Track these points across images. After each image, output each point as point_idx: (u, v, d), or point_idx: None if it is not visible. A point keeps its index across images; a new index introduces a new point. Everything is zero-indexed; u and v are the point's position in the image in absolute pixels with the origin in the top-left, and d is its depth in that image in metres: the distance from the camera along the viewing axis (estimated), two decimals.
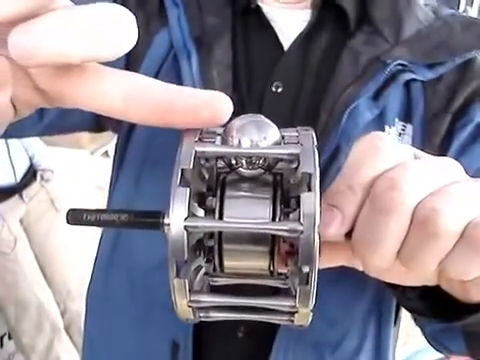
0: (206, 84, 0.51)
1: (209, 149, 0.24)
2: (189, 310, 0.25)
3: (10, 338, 1.58)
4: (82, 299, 0.62)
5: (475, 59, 0.51)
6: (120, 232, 0.56)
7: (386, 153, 0.27)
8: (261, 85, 0.53)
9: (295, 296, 0.24)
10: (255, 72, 0.54)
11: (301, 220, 0.23)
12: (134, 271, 0.55)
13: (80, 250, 1.54)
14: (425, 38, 0.51)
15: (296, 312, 0.25)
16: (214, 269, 0.27)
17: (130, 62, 0.53)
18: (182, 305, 0.25)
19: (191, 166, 0.23)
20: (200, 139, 0.25)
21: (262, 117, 0.26)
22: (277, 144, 0.25)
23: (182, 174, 0.23)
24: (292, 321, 0.26)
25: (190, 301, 0.25)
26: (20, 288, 1.45)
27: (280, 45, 0.54)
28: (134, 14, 0.46)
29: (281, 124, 0.26)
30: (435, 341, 0.48)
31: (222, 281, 0.28)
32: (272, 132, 0.25)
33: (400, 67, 0.49)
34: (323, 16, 0.53)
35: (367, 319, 0.53)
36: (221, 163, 0.27)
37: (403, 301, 0.39)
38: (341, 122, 0.47)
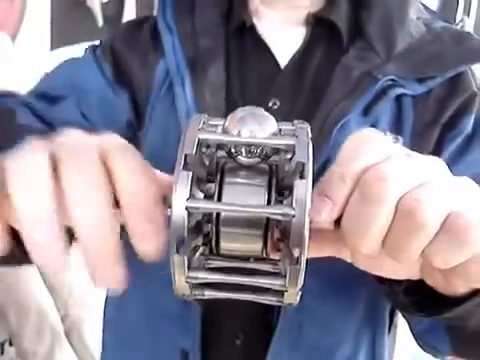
0: (199, 106, 0.52)
1: (211, 137, 0.26)
2: (186, 286, 0.27)
3: (11, 344, 1.58)
4: (83, 304, 0.64)
5: (465, 72, 0.52)
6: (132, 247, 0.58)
7: (377, 147, 0.28)
8: (257, 102, 0.54)
9: (285, 276, 0.26)
10: (250, 90, 0.55)
11: (293, 205, 0.25)
12: (147, 285, 0.55)
13: (81, 255, 1.54)
14: (416, 52, 0.52)
15: (286, 291, 0.27)
16: (211, 251, 0.29)
17: (137, 101, 0.56)
18: (180, 281, 0.27)
19: (194, 152, 0.25)
20: (203, 128, 0.27)
21: (261, 110, 0.28)
22: (274, 135, 0.27)
23: (185, 159, 0.25)
24: (281, 301, 0.27)
25: (188, 277, 0.26)
26: (21, 293, 1.46)
27: (276, 63, 0.55)
28: (125, 54, 0.51)
29: None
30: (423, 341, 0.49)
31: (217, 264, 0.30)
32: (270, 124, 0.27)
33: (390, 82, 0.50)
34: (317, 33, 0.55)
35: (361, 327, 0.54)
36: (221, 153, 0.29)
37: (390, 296, 0.40)
38: (331, 136, 0.49)
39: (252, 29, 0.55)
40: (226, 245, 0.28)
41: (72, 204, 0.25)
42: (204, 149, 0.27)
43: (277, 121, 0.28)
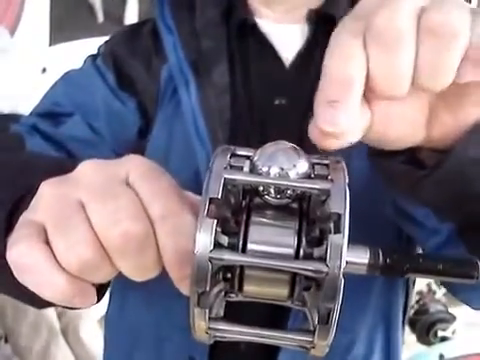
0: (204, 109, 0.51)
1: (238, 177, 0.24)
2: (206, 335, 0.25)
3: (6, 341, 1.57)
4: None
5: None
6: None
7: None
8: (263, 101, 0.53)
9: (313, 332, 0.24)
10: (256, 90, 0.54)
11: (327, 261, 0.22)
12: (153, 296, 0.55)
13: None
14: None
15: (313, 347, 0.25)
16: (233, 288, 0.26)
17: (146, 108, 0.55)
18: (200, 330, 0.25)
19: (219, 195, 0.23)
20: (230, 164, 0.24)
21: (291, 145, 0.25)
22: (306, 174, 0.24)
23: (210, 203, 0.23)
24: (307, 350, 0.25)
25: (209, 328, 0.25)
26: None
27: (280, 61, 0.54)
28: (128, 60, 0.50)
29: (289, 136, 0.27)
30: (402, 214, 0.44)
31: (237, 299, 0.27)
32: (301, 161, 0.25)
33: None
34: (319, 28, 0.54)
35: (375, 325, 0.54)
36: (247, 187, 0.26)
37: (389, 175, 0.38)
38: None
39: (254, 28, 0.55)
40: (250, 288, 0.25)
41: (113, 250, 0.25)
42: (230, 187, 0.25)
43: (307, 153, 0.25)
